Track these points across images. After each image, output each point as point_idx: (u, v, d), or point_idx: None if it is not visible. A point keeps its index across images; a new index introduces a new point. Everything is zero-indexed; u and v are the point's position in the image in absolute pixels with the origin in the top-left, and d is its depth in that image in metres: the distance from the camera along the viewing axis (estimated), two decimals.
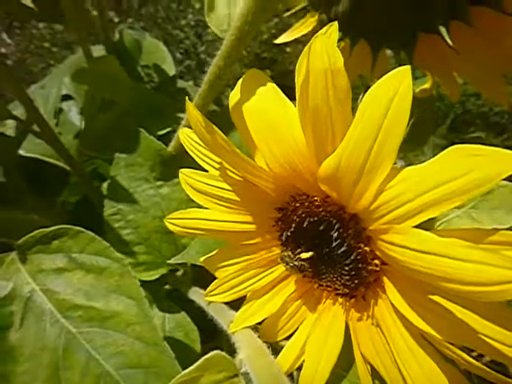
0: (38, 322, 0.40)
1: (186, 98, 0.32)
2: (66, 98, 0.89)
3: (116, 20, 2.11)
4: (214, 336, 0.65)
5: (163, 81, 0.96)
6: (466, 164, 0.20)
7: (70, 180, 0.91)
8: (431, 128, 0.49)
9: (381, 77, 0.24)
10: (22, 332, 0.39)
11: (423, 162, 0.23)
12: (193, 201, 0.51)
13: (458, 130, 1.69)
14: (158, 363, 0.38)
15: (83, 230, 0.43)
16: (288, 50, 2.10)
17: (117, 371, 0.37)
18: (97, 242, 0.43)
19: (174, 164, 0.56)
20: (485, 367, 0.24)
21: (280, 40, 0.55)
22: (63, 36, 2.24)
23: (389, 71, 0.23)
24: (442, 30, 0.36)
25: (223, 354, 0.28)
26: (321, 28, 0.28)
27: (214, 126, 0.30)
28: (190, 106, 0.31)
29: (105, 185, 0.85)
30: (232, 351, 0.35)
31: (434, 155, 0.23)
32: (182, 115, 0.73)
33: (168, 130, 0.71)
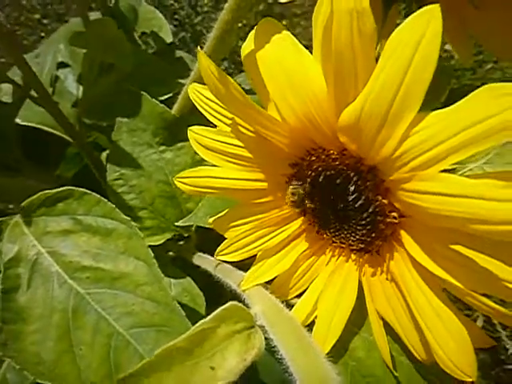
0: (45, 283, 0.40)
1: (198, 48, 0.31)
2: (62, 65, 0.86)
3: None
4: (217, 302, 0.66)
5: (161, 49, 0.94)
6: (500, 103, 0.19)
7: (66, 153, 0.90)
8: (444, 87, 0.48)
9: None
10: (29, 294, 0.39)
11: None
12: (197, 165, 0.50)
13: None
14: (169, 322, 0.37)
15: (88, 191, 0.42)
16: (284, 22, 2.06)
17: (127, 331, 0.37)
18: (102, 203, 0.42)
19: (178, 128, 0.55)
20: (508, 311, 0.24)
21: None
22: (54, 7, 2.17)
23: None
24: None
25: (240, 304, 0.28)
26: None
27: (227, 76, 0.29)
28: (201, 56, 0.29)
29: (104, 154, 0.84)
30: None
31: None
32: (182, 81, 0.71)
33: (169, 95, 0.69)
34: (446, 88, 0.52)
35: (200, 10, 2.07)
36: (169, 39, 0.95)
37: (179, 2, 2.08)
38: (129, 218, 0.41)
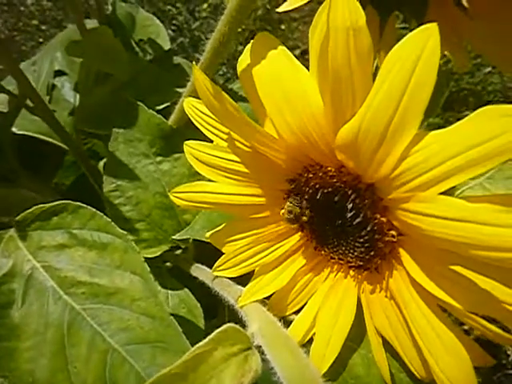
0: (40, 299, 0.39)
1: (193, 63, 0.31)
2: (59, 73, 0.86)
3: None
4: (215, 313, 0.65)
5: (158, 55, 0.94)
6: (500, 125, 0.19)
7: (64, 162, 0.90)
8: (442, 94, 0.48)
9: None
10: (24, 309, 0.38)
11: None
12: (195, 176, 0.49)
13: (451, 109, 1.68)
14: (165, 338, 0.37)
15: (83, 205, 0.42)
16: (283, 27, 2.06)
17: (123, 347, 0.37)
18: (98, 217, 0.42)
19: (174, 139, 0.54)
20: (507, 334, 0.24)
21: (282, 8, 0.53)
22: (52, 13, 2.17)
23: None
24: None
25: (236, 326, 0.27)
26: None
27: (222, 92, 0.28)
28: (196, 72, 0.29)
29: (101, 163, 0.84)
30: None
31: None
32: (180, 90, 0.71)
33: (166, 104, 0.69)
34: (445, 92, 0.51)
35: (198, 15, 2.07)
36: (166, 46, 0.95)
37: (177, 8, 2.08)
38: (124, 232, 0.41)
